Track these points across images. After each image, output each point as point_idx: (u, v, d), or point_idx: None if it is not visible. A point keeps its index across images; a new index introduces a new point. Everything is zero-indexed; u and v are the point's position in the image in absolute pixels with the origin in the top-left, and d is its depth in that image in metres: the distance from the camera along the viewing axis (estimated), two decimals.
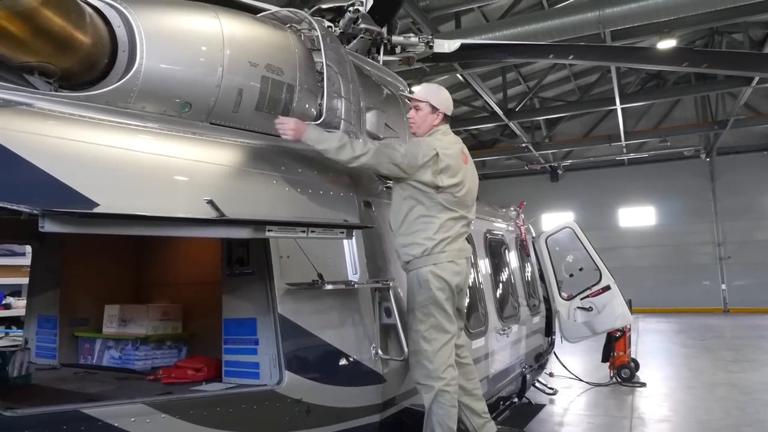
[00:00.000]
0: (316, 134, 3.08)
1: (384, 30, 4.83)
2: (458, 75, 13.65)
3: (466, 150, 3.64)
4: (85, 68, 2.46)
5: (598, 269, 7.57)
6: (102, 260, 3.97)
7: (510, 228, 6.58)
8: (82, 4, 2.43)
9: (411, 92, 4.36)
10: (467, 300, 3.75)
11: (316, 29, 3.53)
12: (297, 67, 3.20)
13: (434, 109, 3.54)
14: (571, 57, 5.85)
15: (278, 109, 3.10)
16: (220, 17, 2.87)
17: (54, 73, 2.36)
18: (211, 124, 2.84)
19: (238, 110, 2.91)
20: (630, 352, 8.82)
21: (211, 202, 2.21)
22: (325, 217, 3.10)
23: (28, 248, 5.36)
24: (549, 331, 7.29)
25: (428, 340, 3.22)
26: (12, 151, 2.05)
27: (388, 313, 3.19)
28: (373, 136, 3.87)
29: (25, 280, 7.13)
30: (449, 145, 3.47)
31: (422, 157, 3.28)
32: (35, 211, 1.77)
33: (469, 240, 4.91)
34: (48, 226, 1.78)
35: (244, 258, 2.95)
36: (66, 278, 3.89)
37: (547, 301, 7.36)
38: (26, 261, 7.05)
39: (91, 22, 2.41)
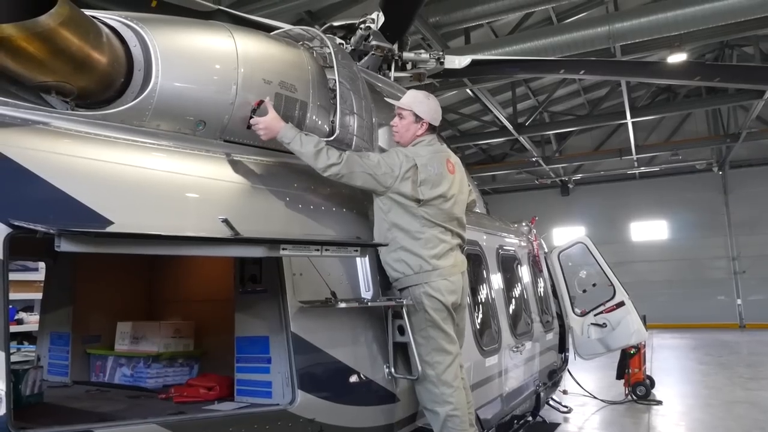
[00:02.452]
0: (292, 134, 2.92)
1: (395, 46, 4.86)
2: (468, 90, 13.68)
3: (454, 159, 3.50)
4: (102, 87, 2.48)
5: (612, 285, 7.49)
6: (115, 277, 3.98)
7: (522, 243, 6.54)
8: (100, 24, 2.46)
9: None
10: (466, 316, 3.64)
11: (328, 46, 3.54)
12: (310, 84, 3.21)
13: (418, 118, 3.41)
14: (582, 72, 5.86)
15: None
16: (235, 36, 2.89)
17: (71, 92, 2.38)
18: (224, 141, 2.86)
19: (252, 127, 2.92)
20: (645, 368, 8.69)
21: (225, 221, 2.21)
22: (338, 233, 3.09)
23: (41, 263, 5.39)
24: (562, 347, 7.20)
25: (430, 363, 3.10)
26: (28, 169, 2.07)
27: (401, 331, 3.15)
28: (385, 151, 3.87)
29: (37, 295, 7.16)
30: (431, 155, 3.31)
31: (399, 168, 3.14)
32: (51, 231, 1.77)
33: (480, 255, 4.91)
34: (64, 246, 1.78)
35: (257, 275, 2.94)
36: (79, 295, 3.89)
37: (561, 317, 7.28)
38: (39, 276, 7.08)
39: (108, 42, 2.43)
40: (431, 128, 3.46)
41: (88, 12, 2.44)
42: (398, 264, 3.18)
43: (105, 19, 2.59)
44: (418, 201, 3.17)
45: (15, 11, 2.12)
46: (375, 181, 3.13)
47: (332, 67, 3.38)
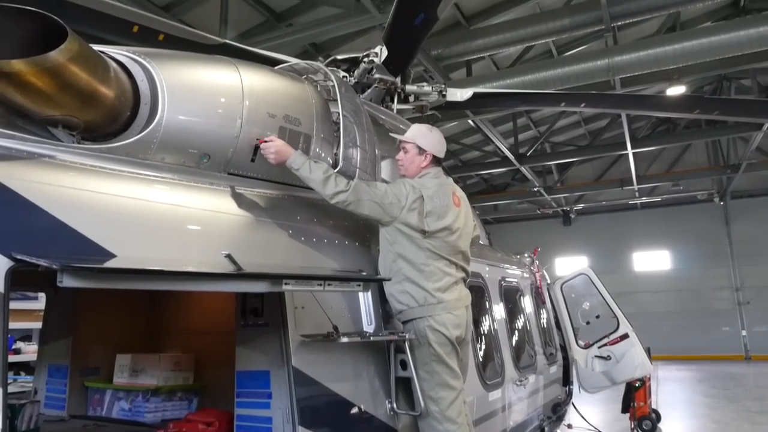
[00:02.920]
0: (301, 160, 2.94)
1: (398, 79, 4.93)
2: (469, 120, 13.82)
3: (460, 192, 3.51)
4: (108, 121, 2.50)
5: (616, 317, 7.41)
6: (116, 308, 3.96)
7: (525, 275, 6.50)
8: (107, 59, 2.49)
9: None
10: (470, 351, 3.59)
11: (331, 80, 3.59)
12: (314, 117, 3.24)
13: (422, 150, 3.42)
14: (582, 105, 5.92)
15: None
16: (240, 70, 2.93)
17: (77, 125, 2.40)
18: (228, 174, 2.87)
19: (256, 160, 2.93)
20: (651, 402, 8.54)
21: (229, 256, 2.20)
22: (341, 266, 3.08)
23: (41, 293, 5.36)
24: (566, 380, 7.08)
25: (434, 399, 3.05)
26: (32, 202, 2.07)
27: (404, 365, 3.10)
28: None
29: (36, 324, 7.10)
30: (437, 187, 3.33)
31: (405, 198, 3.15)
32: (54, 266, 1.76)
33: (483, 287, 4.88)
34: (66, 281, 1.77)
35: (258, 308, 2.91)
36: (79, 326, 3.87)
37: (564, 349, 7.18)
38: (38, 305, 7.03)
39: (115, 76, 2.46)
40: (436, 160, 3.48)
41: (96, 47, 2.48)
42: (403, 296, 3.16)
43: (113, 54, 2.63)
44: (424, 232, 3.16)
45: (25, 46, 2.15)
46: (382, 210, 3.12)
47: (336, 100, 3.43)
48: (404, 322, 3.18)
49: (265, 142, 2.89)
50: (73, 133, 2.43)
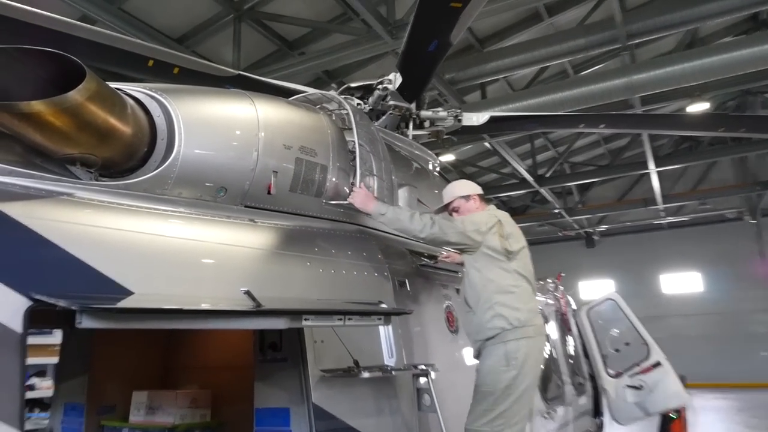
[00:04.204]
0: (385, 207, 3.25)
1: (413, 105, 4.98)
2: (486, 143, 13.86)
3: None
4: (126, 157, 2.56)
5: (646, 343, 7.23)
6: (132, 344, 3.98)
7: (549, 302, 6.42)
8: (124, 96, 2.56)
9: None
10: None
11: (346, 108, 3.64)
12: (330, 147, 3.28)
13: (466, 197, 3.56)
14: (602, 126, 5.91)
15: (312, 190, 3.17)
16: (255, 102, 2.99)
17: (95, 163, 2.46)
18: (245, 207, 2.90)
19: (273, 192, 2.97)
20: None
21: (248, 293, 2.22)
22: (360, 298, 3.07)
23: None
24: (597, 411, 6.92)
25: (511, 425, 3.00)
26: (51, 240, 2.11)
27: (427, 399, 3.07)
28: None
29: (50, 360, 7.15)
30: (506, 215, 3.49)
31: (485, 225, 3.28)
32: (73, 308, 1.79)
33: None
34: (85, 322, 1.79)
35: (277, 343, 2.92)
36: (95, 363, 3.89)
37: (594, 378, 7.03)
38: (54, 339, 7.08)
39: (132, 113, 2.53)
40: (483, 199, 3.62)
41: (113, 84, 2.56)
42: (496, 320, 3.13)
43: (130, 91, 2.71)
44: (509, 253, 3.25)
45: (44, 86, 2.23)
46: (466, 237, 3.24)
47: (351, 128, 3.47)
48: (493, 345, 3.13)
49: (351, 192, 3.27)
50: (91, 170, 2.49)
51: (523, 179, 16.33)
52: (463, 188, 3.61)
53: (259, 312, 2.25)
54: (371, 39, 8.41)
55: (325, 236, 3.17)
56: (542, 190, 17.34)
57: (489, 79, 11.00)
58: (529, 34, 10.80)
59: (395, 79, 4.70)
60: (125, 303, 2.02)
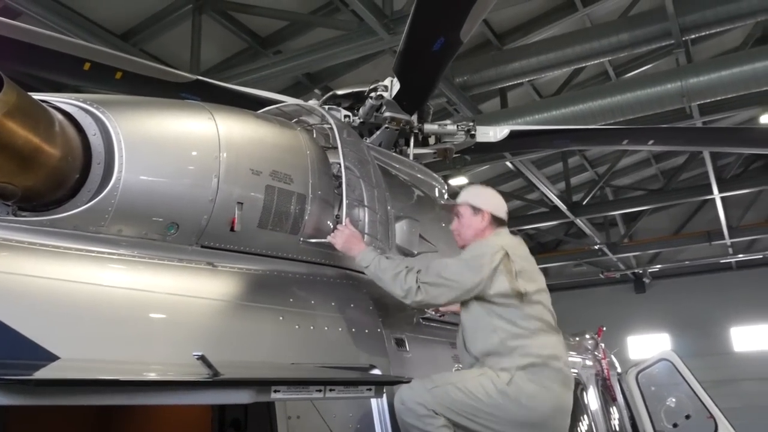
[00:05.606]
0: (370, 257, 3.25)
1: (414, 118, 5.03)
2: (507, 163, 13.95)
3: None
4: (52, 186, 2.57)
5: (713, 416, 7.19)
6: (57, 425, 3.93)
7: (587, 363, 6.41)
8: (52, 110, 2.59)
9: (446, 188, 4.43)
10: None
11: (330, 122, 3.68)
12: (309, 171, 3.32)
13: (476, 210, 3.50)
14: (650, 142, 5.98)
15: (287, 225, 3.18)
16: (216, 116, 3.03)
17: (13, 194, 2.47)
18: (202, 247, 2.91)
19: (237, 229, 2.98)
20: None
21: (202, 358, 2.21)
22: (346, 362, 3.06)
23: None
24: None
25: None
26: None
27: None
28: (406, 252, 3.91)
29: None
30: (517, 244, 3.44)
31: (489, 264, 3.19)
32: None
33: None
34: None
35: (240, 420, 2.90)
36: None
37: None
38: None
39: (61, 131, 2.55)
40: (497, 221, 3.53)
41: (37, 95, 2.58)
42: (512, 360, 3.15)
43: (58, 104, 2.73)
44: (521, 295, 3.19)
45: None
46: (463, 292, 3.22)
47: (336, 148, 3.51)
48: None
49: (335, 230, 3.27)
50: (8, 203, 2.50)
51: (555, 207, 16.42)
52: (478, 199, 3.57)
53: (216, 382, 2.23)
54: (363, 35, 8.53)
55: (302, 283, 3.18)
56: (578, 221, 17.40)
57: (510, 84, 11.13)
58: (560, 27, 10.98)
59: (392, 86, 4.77)
60: (47, 372, 2.00)
